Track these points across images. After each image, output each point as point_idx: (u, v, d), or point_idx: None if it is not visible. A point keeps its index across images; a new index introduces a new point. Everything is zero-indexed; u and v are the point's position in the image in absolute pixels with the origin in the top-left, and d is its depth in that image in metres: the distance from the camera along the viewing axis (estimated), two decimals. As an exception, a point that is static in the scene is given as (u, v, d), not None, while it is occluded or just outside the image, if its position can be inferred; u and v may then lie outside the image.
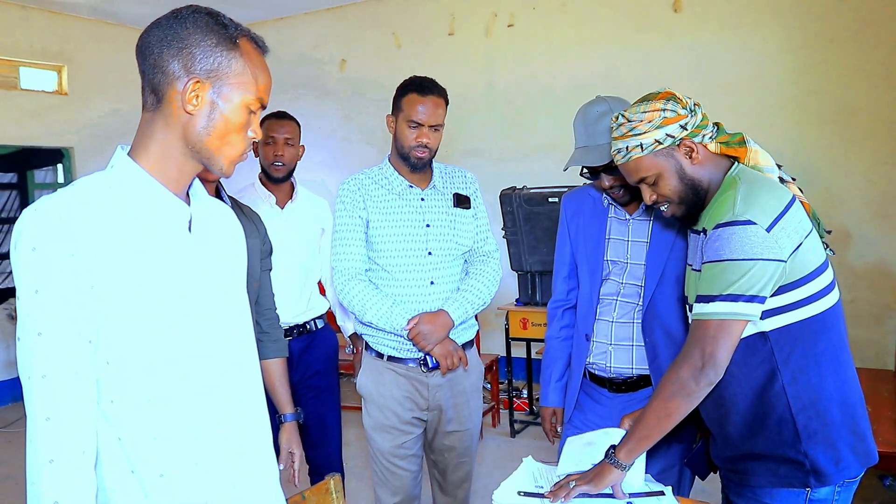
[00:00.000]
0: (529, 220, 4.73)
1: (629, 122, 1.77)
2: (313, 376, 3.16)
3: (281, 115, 3.19)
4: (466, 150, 6.03)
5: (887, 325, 4.72)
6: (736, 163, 1.79)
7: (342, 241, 2.58)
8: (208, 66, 1.30)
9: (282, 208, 3.17)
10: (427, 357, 2.52)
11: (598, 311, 2.29)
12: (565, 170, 2.25)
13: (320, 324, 3.25)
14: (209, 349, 1.37)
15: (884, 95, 4.78)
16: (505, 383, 5.37)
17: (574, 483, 1.81)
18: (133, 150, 1.35)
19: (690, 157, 1.76)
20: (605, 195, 2.31)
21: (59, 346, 1.19)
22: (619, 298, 2.26)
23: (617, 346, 2.25)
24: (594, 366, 2.30)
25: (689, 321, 1.78)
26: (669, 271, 2.14)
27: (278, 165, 3.11)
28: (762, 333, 1.69)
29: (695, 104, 1.78)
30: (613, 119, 1.82)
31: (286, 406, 2.47)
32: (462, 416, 2.64)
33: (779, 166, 1.82)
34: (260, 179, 3.21)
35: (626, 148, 1.78)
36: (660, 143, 1.74)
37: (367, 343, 2.66)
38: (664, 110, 1.74)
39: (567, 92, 5.76)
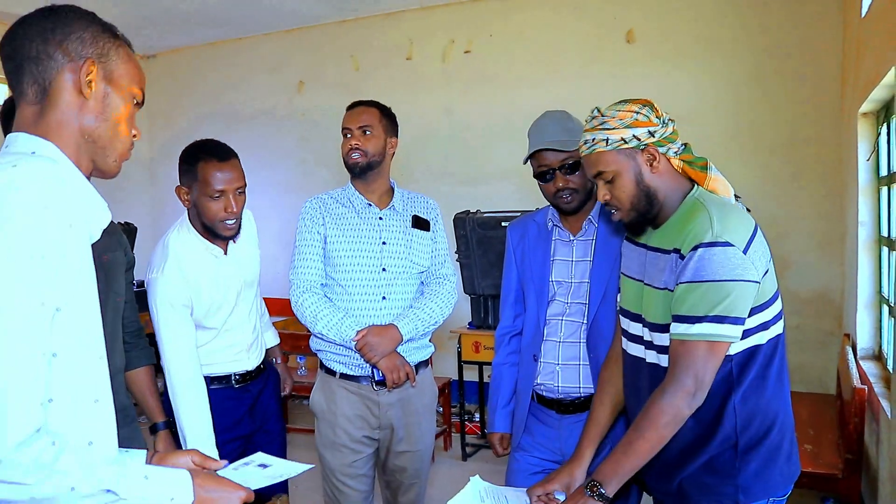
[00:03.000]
0: (482, 243, 4.77)
1: (602, 116, 1.79)
2: (269, 420, 2.73)
3: (223, 157, 2.47)
4: (422, 173, 6.06)
5: (830, 350, 4.83)
6: (696, 186, 1.82)
7: (300, 256, 2.63)
8: (99, 49, 1.31)
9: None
10: (374, 370, 2.54)
11: (545, 332, 2.33)
12: (526, 161, 2.33)
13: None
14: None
15: (828, 129, 4.94)
16: (457, 406, 5.37)
17: None
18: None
19: (651, 166, 1.78)
20: (549, 219, 2.36)
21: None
22: (564, 318, 2.29)
23: (564, 366, 2.28)
24: (542, 387, 2.32)
25: (655, 342, 1.79)
26: (612, 289, 2.19)
27: (229, 224, 2.49)
28: (727, 356, 1.71)
29: (669, 119, 1.81)
30: (590, 112, 1.84)
31: (159, 414, 2.39)
32: (413, 436, 2.65)
33: (737, 197, 1.85)
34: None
35: (593, 140, 1.79)
36: (625, 143, 1.75)
37: (320, 361, 2.67)
38: (637, 113, 1.77)
39: (523, 118, 5.71)
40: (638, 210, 1.81)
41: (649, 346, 1.83)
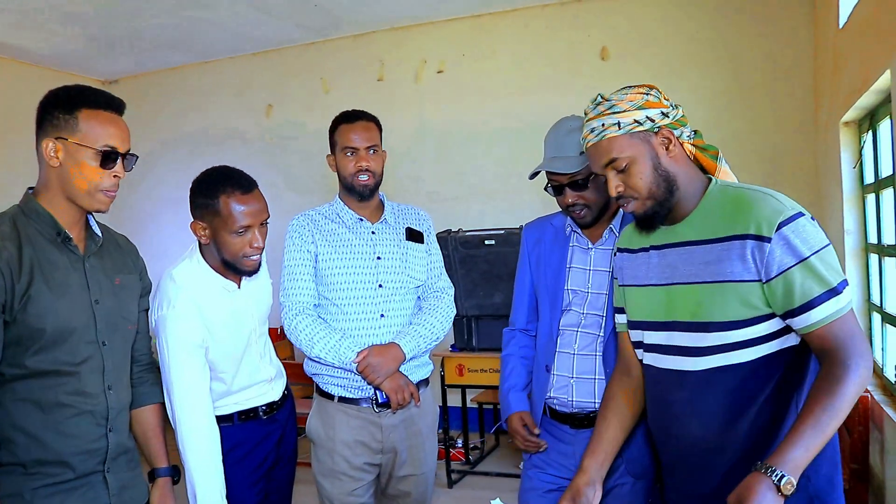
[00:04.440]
0: (465, 263, 4.67)
1: (608, 101, 1.67)
2: (289, 450, 2.55)
3: (247, 189, 2.29)
4: (400, 194, 5.95)
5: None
6: (714, 178, 1.71)
7: (291, 277, 2.50)
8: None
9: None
10: (377, 392, 2.42)
11: (558, 342, 2.22)
12: (531, 177, 2.23)
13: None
14: None
15: (802, 143, 4.98)
16: (440, 432, 5.22)
17: None
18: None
19: (667, 149, 1.66)
20: (567, 224, 2.27)
21: None
22: (580, 329, 2.19)
23: (578, 380, 2.18)
24: (555, 400, 2.21)
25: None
26: None
27: (253, 259, 2.30)
28: (788, 348, 1.59)
29: (676, 104, 1.70)
30: (591, 101, 1.72)
31: (161, 459, 2.08)
32: (417, 458, 2.52)
33: None
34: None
35: (602, 125, 1.66)
36: (639, 124, 1.63)
37: (316, 385, 2.54)
38: (647, 94, 1.66)
39: (498, 137, 5.81)
40: (656, 198, 1.67)
41: (685, 351, 1.67)
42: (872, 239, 3.68)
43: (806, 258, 1.51)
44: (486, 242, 4.56)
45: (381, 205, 2.63)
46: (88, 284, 1.84)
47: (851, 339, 1.51)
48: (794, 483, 1.42)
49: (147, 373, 2.13)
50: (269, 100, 6.64)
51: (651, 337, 1.79)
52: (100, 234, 1.93)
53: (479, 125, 5.88)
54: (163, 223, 6.89)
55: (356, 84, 6.23)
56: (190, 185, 2.28)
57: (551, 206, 2.30)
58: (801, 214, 1.54)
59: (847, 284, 1.53)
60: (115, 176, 1.82)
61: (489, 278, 4.64)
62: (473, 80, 5.91)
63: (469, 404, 5.31)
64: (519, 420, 2.27)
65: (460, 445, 5.39)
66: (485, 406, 5.58)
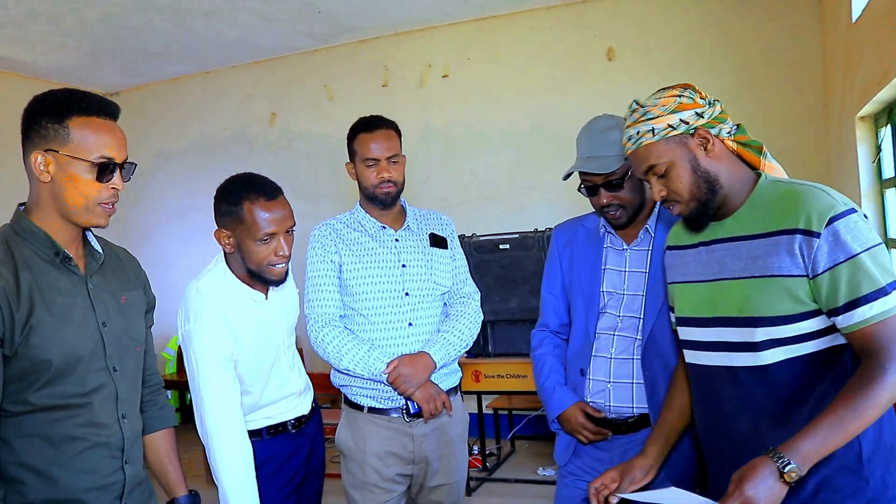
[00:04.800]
0: (480, 268, 4.63)
1: (642, 107, 1.68)
2: (318, 463, 2.49)
3: (271, 195, 2.20)
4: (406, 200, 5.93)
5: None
6: (764, 173, 1.68)
7: (315, 288, 2.45)
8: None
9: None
10: (408, 403, 2.38)
11: (594, 346, 2.17)
12: (565, 178, 2.19)
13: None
14: None
15: (809, 139, 4.97)
16: (456, 439, 5.17)
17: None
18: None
19: (705, 149, 1.65)
20: (601, 225, 2.23)
21: None
22: (616, 333, 2.15)
23: (616, 384, 2.13)
24: (591, 405, 2.17)
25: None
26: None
27: (279, 267, 2.22)
28: (837, 346, 1.55)
29: (715, 99, 1.69)
30: (628, 107, 1.72)
31: (181, 486, 1.95)
32: (449, 468, 2.48)
33: None
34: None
35: (637, 133, 1.67)
36: (672, 129, 1.63)
37: (345, 396, 2.49)
38: (680, 96, 1.65)
39: (505, 141, 5.77)
40: (699, 199, 1.66)
41: (735, 347, 1.63)
42: (893, 234, 3.65)
43: (856, 255, 1.48)
44: (501, 247, 4.53)
45: (403, 211, 2.60)
46: (94, 307, 1.70)
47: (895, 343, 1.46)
48: (800, 473, 1.41)
49: (157, 395, 2.01)
50: (272, 108, 6.60)
51: (693, 333, 1.76)
52: (100, 251, 1.79)
53: (486, 129, 5.85)
54: (167, 234, 6.85)
55: (361, 90, 6.19)
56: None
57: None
58: (853, 210, 1.51)
59: None
60: (113, 188, 1.68)
61: (504, 283, 4.61)
62: (479, 84, 5.88)
63: (485, 410, 5.27)
64: (581, 413, 2.17)
65: (477, 452, 5.33)
66: (500, 412, 5.53)
